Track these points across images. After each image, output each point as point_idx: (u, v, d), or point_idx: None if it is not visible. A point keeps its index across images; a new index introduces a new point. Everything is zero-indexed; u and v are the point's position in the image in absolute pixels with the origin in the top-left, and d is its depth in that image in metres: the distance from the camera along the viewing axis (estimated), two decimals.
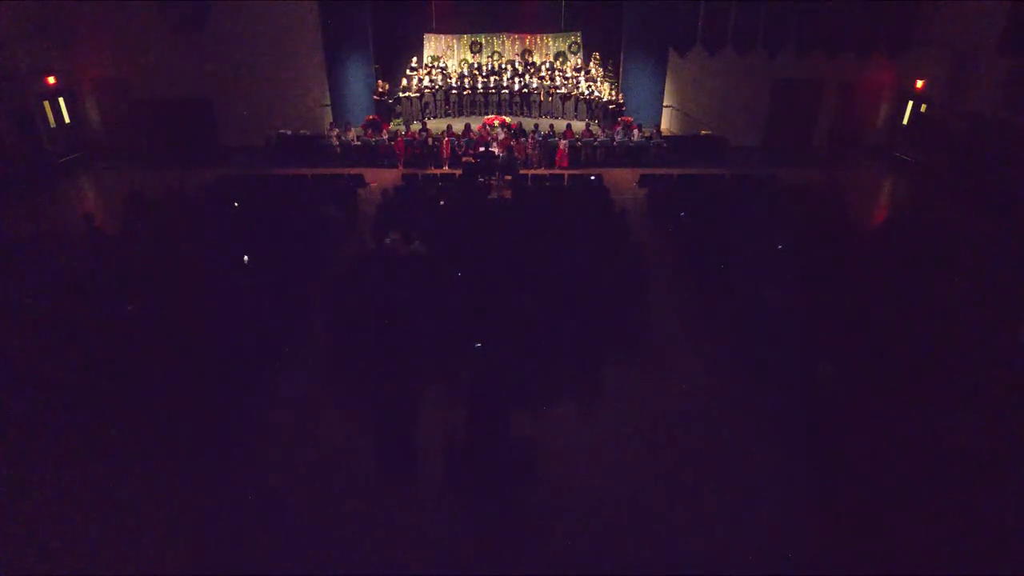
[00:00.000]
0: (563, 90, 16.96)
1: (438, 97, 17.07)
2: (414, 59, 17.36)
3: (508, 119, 16.10)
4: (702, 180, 12.77)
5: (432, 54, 17.99)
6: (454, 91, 17.13)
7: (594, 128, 15.97)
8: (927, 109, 15.35)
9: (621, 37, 17.03)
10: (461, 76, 17.39)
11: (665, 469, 5.54)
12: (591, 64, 17.65)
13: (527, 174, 13.39)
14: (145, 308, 7.11)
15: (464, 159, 13.85)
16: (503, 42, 18.21)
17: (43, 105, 14.53)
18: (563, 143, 14.60)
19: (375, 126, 15.32)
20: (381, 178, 13.38)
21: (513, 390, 5.90)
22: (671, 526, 4.95)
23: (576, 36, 18.09)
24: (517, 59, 18.02)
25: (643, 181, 12.85)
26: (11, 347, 6.53)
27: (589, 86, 16.89)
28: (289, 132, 15.35)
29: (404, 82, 16.89)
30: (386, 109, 16.65)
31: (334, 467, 5.50)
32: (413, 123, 16.25)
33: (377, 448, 5.81)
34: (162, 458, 5.46)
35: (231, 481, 5.34)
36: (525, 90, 17.09)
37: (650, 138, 15.32)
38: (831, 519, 5.02)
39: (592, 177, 12.94)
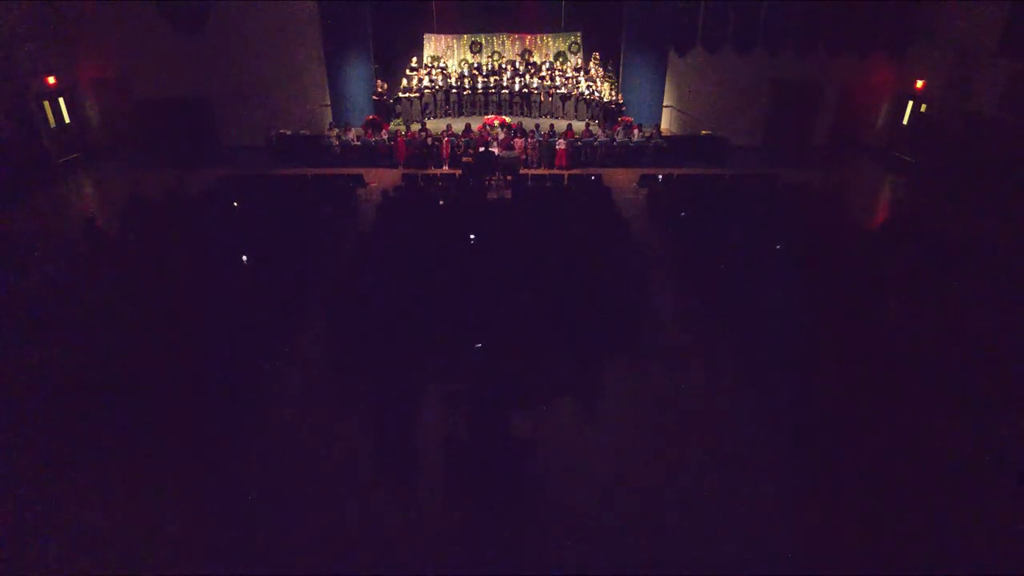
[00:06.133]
0: (563, 90, 16.96)
1: (438, 97, 17.07)
2: (414, 59, 17.37)
3: (508, 119, 16.10)
4: (702, 180, 12.77)
5: (432, 54, 17.99)
6: (454, 91, 17.13)
7: (594, 128, 15.96)
8: (927, 109, 15.35)
9: (621, 37, 17.02)
10: (461, 76, 17.39)
11: (665, 469, 5.54)
12: (591, 64, 17.65)
13: (527, 174, 13.39)
14: (145, 308, 7.10)
15: (464, 159, 13.85)
16: (503, 42, 18.21)
17: (43, 105, 14.52)
18: (561, 142, 14.61)
19: (375, 126, 15.32)
20: (381, 178, 13.39)
21: (513, 390, 5.90)
22: (671, 526, 4.95)
23: (576, 36, 18.09)
24: (517, 59, 18.02)
25: (643, 181, 12.85)
26: (11, 347, 6.53)
27: (589, 86, 16.88)
28: (289, 132, 15.35)
29: (404, 82, 16.89)
30: (386, 109, 16.64)
31: (334, 467, 5.50)
32: (413, 123, 16.25)
33: (377, 448, 5.81)
34: (161, 458, 5.47)
35: (231, 480, 5.33)
36: (525, 90, 17.09)
37: (650, 138, 15.32)
38: (832, 519, 5.02)
39: (592, 177, 12.94)
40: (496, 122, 15.60)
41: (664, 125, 17.13)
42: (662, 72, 16.66)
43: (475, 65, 17.78)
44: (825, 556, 4.70)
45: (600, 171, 13.85)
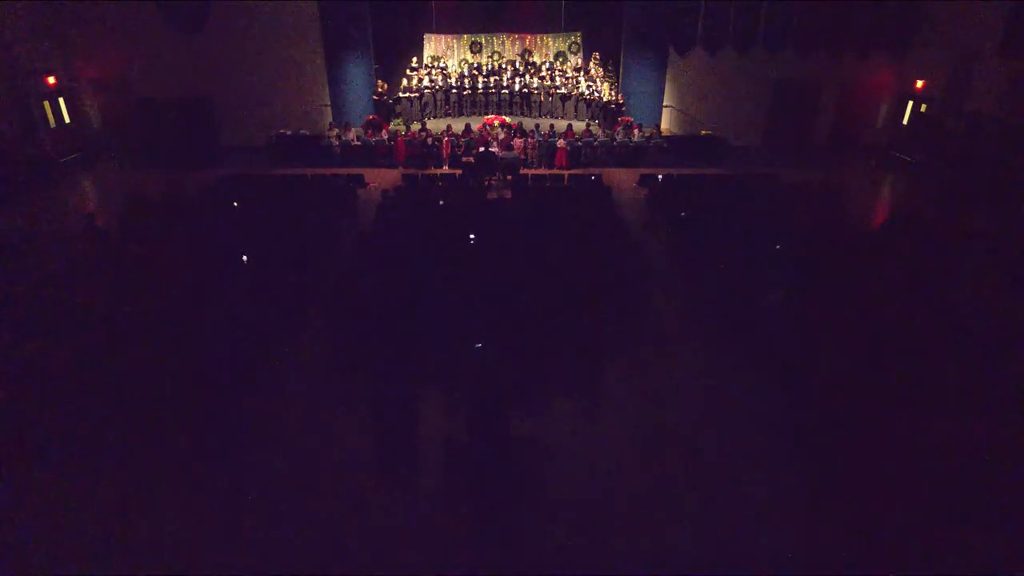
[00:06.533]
0: (563, 90, 16.96)
1: (438, 97, 17.07)
2: (414, 59, 17.37)
3: (508, 119, 16.10)
4: (702, 180, 12.77)
5: (432, 54, 17.99)
6: (454, 91, 17.13)
7: (594, 128, 15.97)
8: (927, 109, 15.36)
9: (621, 37, 17.03)
10: (461, 76, 17.38)
11: (665, 469, 5.54)
12: (591, 64, 17.65)
13: (527, 174, 13.39)
14: (145, 308, 7.10)
15: (464, 159, 13.85)
16: (503, 42, 18.21)
17: (43, 105, 14.53)
18: (561, 142, 14.61)
19: (375, 126, 15.32)
20: (381, 178, 13.38)
21: (513, 390, 5.90)
22: (671, 526, 4.95)
23: (576, 36, 18.10)
24: (517, 59, 18.02)
25: (643, 181, 12.85)
26: (11, 346, 6.52)
27: (589, 86, 16.88)
28: (289, 132, 15.35)
29: (404, 82, 16.89)
30: (386, 109, 16.64)
31: (333, 467, 5.50)
32: (413, 123, 16.25)
33: (376, 448, 5.81)
34: (160, 457, 5.46)
35: (230, 480, 5.33)
36: (525, 90, 17.09)
37: (650, 138, 15.32)
38: (832, 519, 5.02)
39: (592, 177, 12.94)
40: (496, 122, 15.60)
41: (664, 125, 17.13)
42: (662, 72, 16.67)
43: (475, 65, 17.77)
44: (825, 556, 4.70)
45: (600, 171, 13.85)
